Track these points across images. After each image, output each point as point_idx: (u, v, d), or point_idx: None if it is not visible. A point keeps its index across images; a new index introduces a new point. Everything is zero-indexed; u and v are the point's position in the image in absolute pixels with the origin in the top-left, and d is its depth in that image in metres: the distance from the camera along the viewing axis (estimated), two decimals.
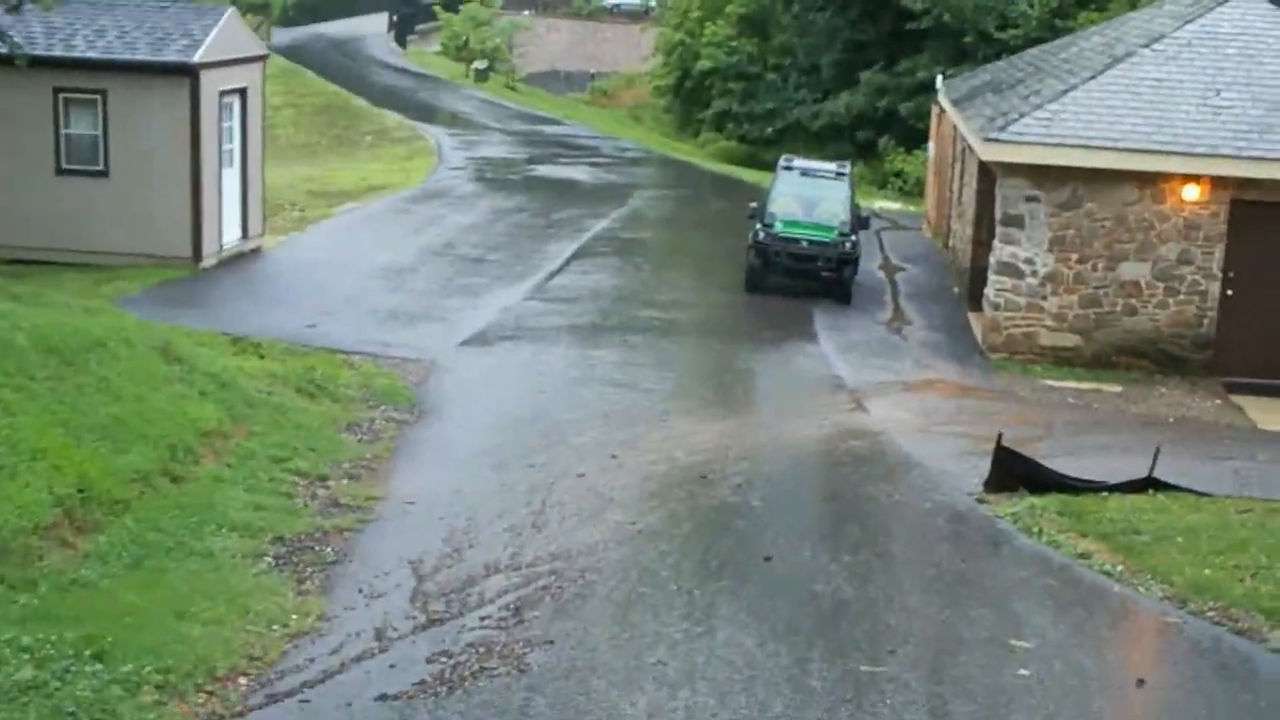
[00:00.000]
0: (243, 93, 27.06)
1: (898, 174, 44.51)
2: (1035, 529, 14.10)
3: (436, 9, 74.47)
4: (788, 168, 28.12)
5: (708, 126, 53.15)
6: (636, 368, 21.23)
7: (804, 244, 26.53)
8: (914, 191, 41.83)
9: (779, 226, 26.64)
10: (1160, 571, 12.48)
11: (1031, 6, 42.75)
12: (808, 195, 27.34)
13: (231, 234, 26.83)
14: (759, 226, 26.76)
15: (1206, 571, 12.45)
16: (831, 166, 28.69)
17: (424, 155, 45.04)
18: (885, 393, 21.02)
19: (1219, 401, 22.21)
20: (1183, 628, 11.05)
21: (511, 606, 11.01)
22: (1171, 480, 16.23)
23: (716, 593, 11.10)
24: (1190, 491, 16.10)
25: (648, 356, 21.97)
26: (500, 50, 71.33)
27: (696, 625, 10.27)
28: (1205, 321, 23.35)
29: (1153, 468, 16.13)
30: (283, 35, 72.50)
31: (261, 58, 28.52)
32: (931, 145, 36.87)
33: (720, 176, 44.36)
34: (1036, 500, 15.30)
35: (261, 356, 19.12)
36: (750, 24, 52.68)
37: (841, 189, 27.53)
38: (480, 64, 67.24)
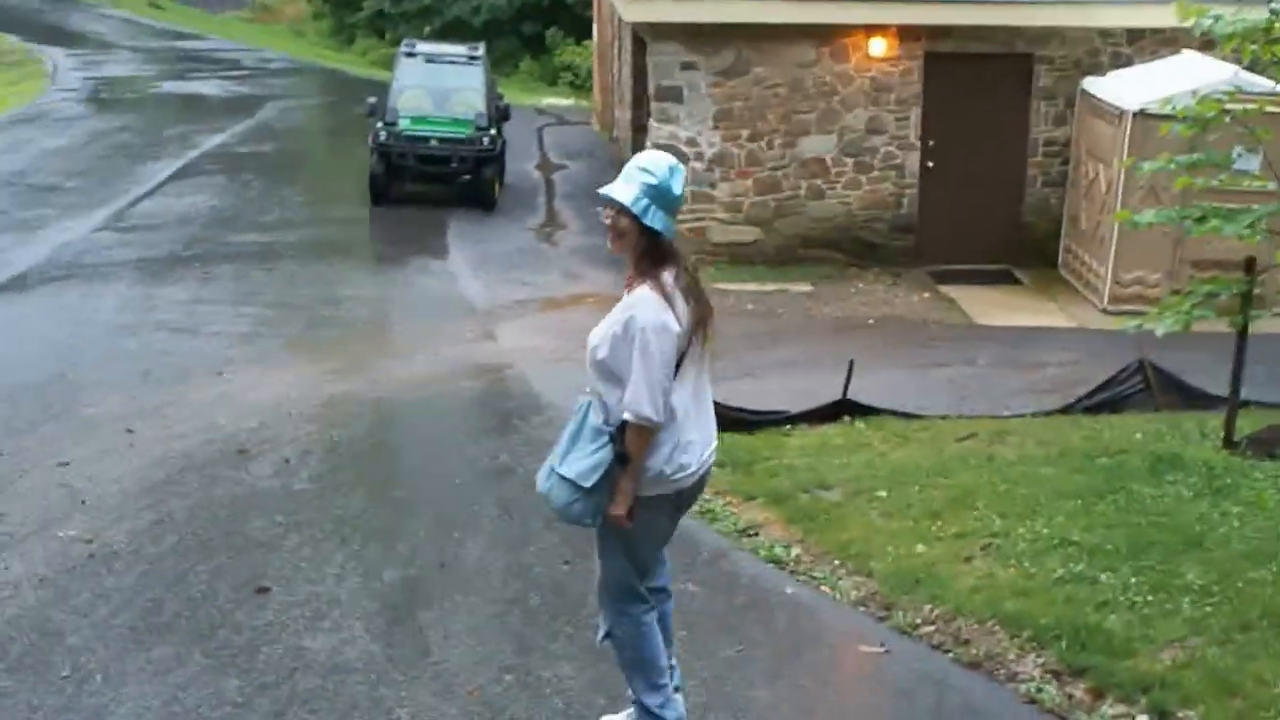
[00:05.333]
0: None
1: (568, 67, 40.30)
2: None
3: None
4: (410, 54, 23.69)
5: (363, 31, 48.10)
6: (209, 306, 16.66)
7: (434, 142, 22.22)
8: (585, 85, 37.73)
9: (404, 124, 22.30)
10: (854, 553, 8.54)
11: None
12: (436, 85, 23.02)
13: None
14: (380, 125, 22.39)
15: (920, 548, 8.51)
16: (462, 49, 24.27)
17: (35, 79, 39.47)
18: (522, 314, 16.88)
19: (927, 295, 18.63)
20: (886, 663, 7.00)
21: None
22: (872, 400, 12.50)
23: (133, 675, 6.75)
24: (895, 414, 12.35)
25: (227, 291, 17.38)
26: None
27: None
28: (905, 200, 19.70)
29: (846, 386, 12.34)
30: None
31: None
32: (595, 29, 32.79)
33: (372, 83, 39.51)
34: None
35: None
36: None
37: (476, 75, 23.26)
38: None
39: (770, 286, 18.70)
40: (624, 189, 5.88)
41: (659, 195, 5.87)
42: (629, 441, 5.88)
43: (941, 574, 8.00)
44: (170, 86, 38.18)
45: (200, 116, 32.47)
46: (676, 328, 5.85)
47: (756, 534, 9.16)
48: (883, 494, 9.78)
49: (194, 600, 7.87)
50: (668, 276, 5.90)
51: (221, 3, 72.13)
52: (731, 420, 12.00)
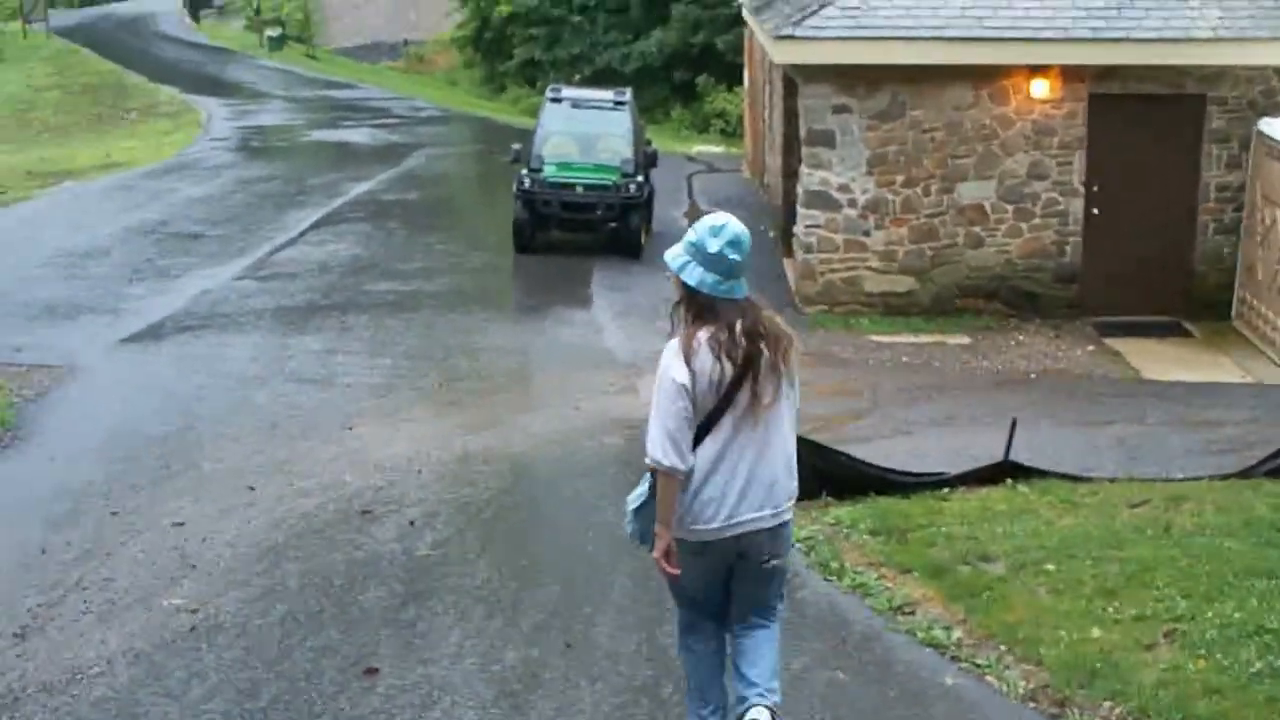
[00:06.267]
0: None
1: (719, 114, 39.80)
2: (834, 564, 9.28)
3: None
4: (555, 99, 23.23)
5: (513, 79, 48.02)
6: (344, 356, 16.20)
7: (579, 189, 21.68)
8: (735, 132, 37.20)
9: (549, 171, 21.80)
10: (1021, 636, 7.72)
11: None
12: (582, 131, 22.53)
13: None
14: (525, 172, 21.91)
15: (1095, 632, 7.68)
16: (608, 94, 23.77)
17: (189, 128, 39.89)
18: None
19: (1091, 347, 17.73)
20: None
21: None
22: (1035, 460, 11.63)
23: None
24: (1062, 477, 11.47)
25: (363, 341, 16.93)
26: (297, 17, 65.62)
27: None
28: (1067, 249, 18.79)
29: (1009, 446, 11.49)
30: (68, 17, 68.15)
31: None
32: (746, 74, 32.19)
33: (521, 130, 39.24)
34: (844, 511, 10.53)
35: None
36: None
37: (623, 120, 22.71)
38: (273, 31, 61.59)
39: (926, 339, 17.91)
40: (673, 247, 6.28)
41: (696, 252, 6.16)
42: (657, 484, 6.22)
43: (1121, 664, 7.17)
44: (320, 135, 38.27)
45: (348, 164, 32.36)
46: (684, 380, 6.08)
47: (913, 612, 8.38)
48: (1051, 568, 8.95)
49: (295, 681, 7.27)
50: (701, 333, 6.14)
51: (376, 53, 72.82)
52: (885, 482, 11.28)
